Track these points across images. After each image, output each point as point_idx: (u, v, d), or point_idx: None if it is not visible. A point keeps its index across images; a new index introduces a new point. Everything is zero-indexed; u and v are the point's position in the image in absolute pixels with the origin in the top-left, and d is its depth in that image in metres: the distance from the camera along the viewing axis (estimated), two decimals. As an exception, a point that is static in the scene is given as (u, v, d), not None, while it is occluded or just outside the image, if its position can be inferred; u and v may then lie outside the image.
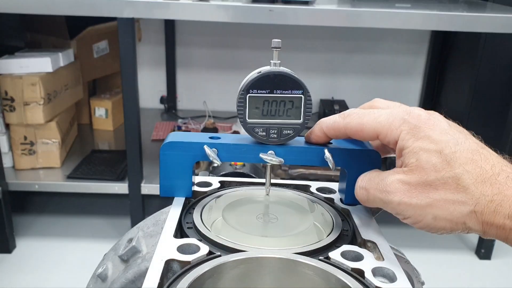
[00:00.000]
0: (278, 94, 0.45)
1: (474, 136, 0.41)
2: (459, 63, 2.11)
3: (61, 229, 1.83)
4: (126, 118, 1.58)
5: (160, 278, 0.37)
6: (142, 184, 1.66)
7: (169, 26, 2.26)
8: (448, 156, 0.38)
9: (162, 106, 2.38)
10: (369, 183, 0.42)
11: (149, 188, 1.66)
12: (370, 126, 0.43)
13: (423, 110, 0.42)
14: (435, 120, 0.40)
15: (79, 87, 2.01)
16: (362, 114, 0.44)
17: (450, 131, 0.40)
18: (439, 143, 0.39)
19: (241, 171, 0.86)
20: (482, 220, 0.37)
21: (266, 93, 0.45)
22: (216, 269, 0.39)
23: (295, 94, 0.45)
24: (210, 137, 0.48)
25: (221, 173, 0.84)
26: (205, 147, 0.46)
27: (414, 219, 0.40)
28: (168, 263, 0.39)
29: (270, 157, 0.46)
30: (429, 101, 2.34)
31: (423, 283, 0.53)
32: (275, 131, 0.46)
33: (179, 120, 2.21)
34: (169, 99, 2.37)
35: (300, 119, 0.46)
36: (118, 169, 1.77)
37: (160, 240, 0.42)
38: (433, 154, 0.38)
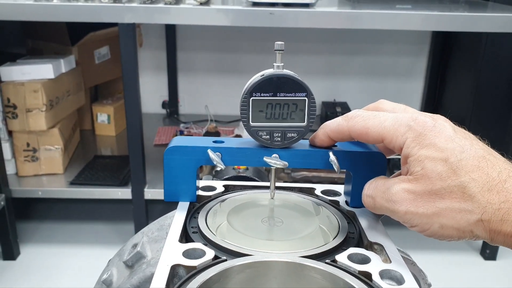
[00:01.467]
0: (282, 97, 0.45)
1: (480, 140, 0.41)
2: (460, 63, 2.11)
3: (65, 235, 1.82)
4: (128, 124, 1.58)
5: (166, 283, 0.37)
6: (145, 189, 1.66)
7: (170, 31, 2.27)
8: (453, 164, 0.38)
9: (164, 111, 2.38)
10: (375, 192, 0.42)
11: (153, 193, 1.66)
12: (375, 130, 0.42)
13: (429, 115, 0.41)
14: (441, 127, 0.40)
15: (81, 93, 2.02)
16: (367, 117, 0.43)
17: (456, 137, 0.39)
18: (444, 151, 0.38)
19: (244, 174, 0.86)
20: (490, 228, 0.37)
21: (269, 96, 0.45)
22: (222, 274, 0.39)
23: (299, 96, 0.45)
24: (214, 141, 0.48)
25: (225, 177, 0.84)
26: (209, 151, 0.46)
27: (421, 227, 0.40)
28: (174, 268, 0.39)
29: (274, 161, 0.46)
30: (431, 102, 2.34)
31: (430, 285, 0.53)
32: (279, 134, 0.46)
33: (181, 125, 2.21)
34: (171, 104, 2.37)
35: (304, 122, 0.46)
36: (121, 175, 1.77)
37: (165, 245, 0.42)
38: (439, 163, 0.38)
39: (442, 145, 0.39)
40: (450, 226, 0.38)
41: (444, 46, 2.24)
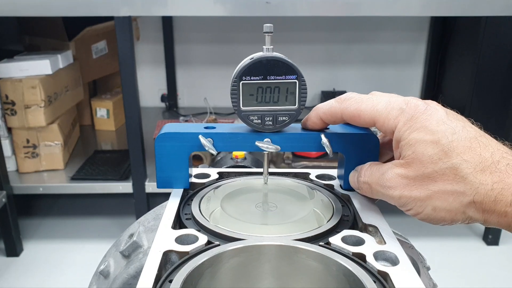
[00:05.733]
0: (272, 80, 0.44)
1: (473, 123, 0.41)
2: (460, 49, 2.10)
3: (67, 231, 1.83)
4: (128, 118, 1.57)
5: (158, 269, 0.36)
6: (146, 183, 1.66)
7: (167, 23, 2.26)
8: (445, 146, 0.38)
9: (163, 105, 2.38)
10: (371, 178, 0.43)
11: (153, 186, 1.66)
12: (368, 113, 0.42)
13: (420, 100, 0.41)
14: (432, 110, 0.40)
15: (79, 88, 2.01)
16: (360, 100, 0.43)
17: (447, 120, 0.39)
18: (435, 134, 0.38)
19: (242, 164, 0.85)
20: (483, 209, 0.37)
21: (259, 80, 0.44)
22: (215, 259, 0.38)
23: (289, 79, 0.44)
24: (205, 127, 0.48)
25: (223, 167, 0.84)
26: (200, 137, 0.46)
27: (415, 210, 0.40)
28: (166, 255, 0.39)
29: (266, 145, 0.46)
30: (430, 88, 2.33)
31: (428, 268, 0.53)
32: (271, 118, 0.45)
33: (181, 118, 2.21)
34: (170, 97, 2.37)
35: (295, 105, 0.45)
36: (121, 169, 1.77)
37: (158, 232, 0.41)
38: (430, 145, 0.38)
39: (434, 127, 0.39)
40: (443, 208, 0.38)
41: (443, 32, 2.22)
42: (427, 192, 0.38)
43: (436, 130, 0.38)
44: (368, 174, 0.43)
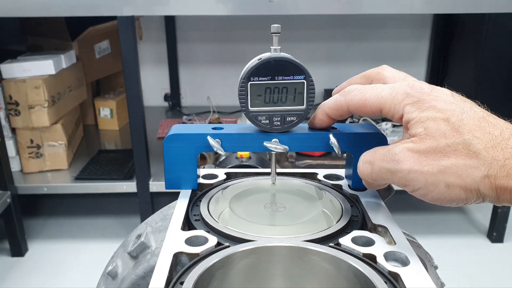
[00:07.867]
0: (280, 80, 0.44)
1: (480, 105, 0.41)
2: (463, 46, 2.09)
3: (72, 230, 1.83)
4: (131, 117, 1.57)
5: (169, 271, 0.36)
6: (150, 182, 1.66)
7: (170, 22, 2.26)
8: (455, 124, 0.37)
9: (166, 104, 2.38)
10: (374, 156, 0.41)
11: (157, 185, 1.66)
12: (373, 101, 0.42)
13: (424, 82, 0.41)
14: (439, 92, 0.40)
15: (82, 88, 2.01)
16: (364, 90, 0.43)
17: (455, 101, 0.39)
18: (445, 112, 0.38)
19: (247, 163, 0.85)
20: (496, 185, 0.36)
21: (267, 80, 0.44)
22: (226, 260, 0.38)
23: (297, 79, 0.44)
24: (213, 128, 0.47)
25: (228, 167, 0.84)
26: (209, 137, 0.46)
27: (425, 189, 0.38)
28: (177, 256, 0.39)
29: (274, 145, 0.46)
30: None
31: (436, 267, 0.53)
32: (279, 119, 0.45)
33: (184, 117, 2.21)
34: (173, 96, 2.37)
35: (303, 105, 0.45)
36: (125, 168, 1.77)
37: (168, 234, 0.41)
38: (441, 122, 0.38)
39: (442, 106, 0.38)
40: (457, 185, 0.37)
41: (446, 29, 2.21)
42: (439, 168, 0.37)
43: (446, 109, 0.38)
44: (371, 153, 0.41)
